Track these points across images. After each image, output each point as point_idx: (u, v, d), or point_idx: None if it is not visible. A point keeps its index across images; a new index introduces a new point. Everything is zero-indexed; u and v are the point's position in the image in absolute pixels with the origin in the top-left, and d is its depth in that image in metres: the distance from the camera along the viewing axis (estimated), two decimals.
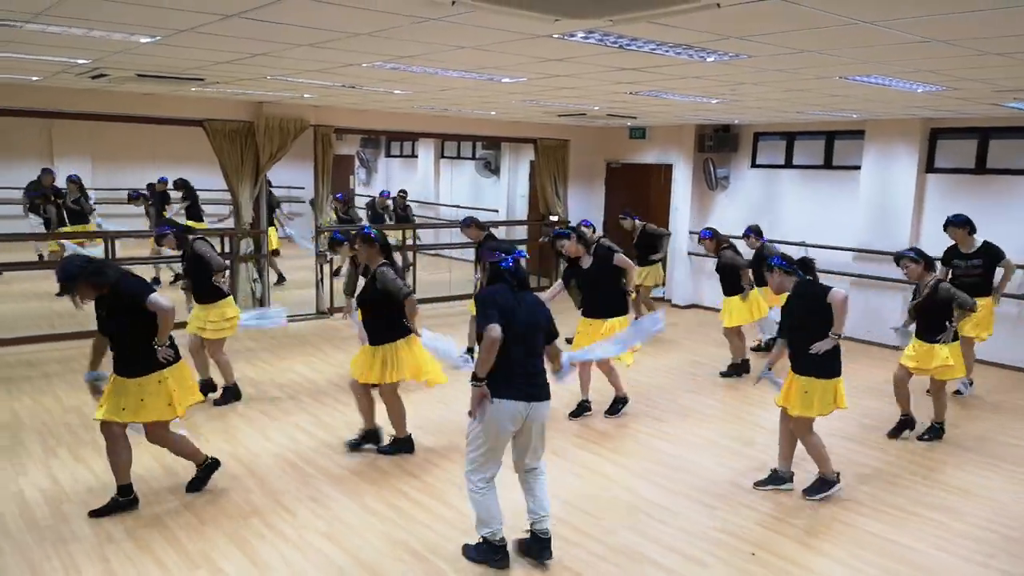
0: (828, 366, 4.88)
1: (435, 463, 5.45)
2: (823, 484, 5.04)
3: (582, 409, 6.53)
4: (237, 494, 4.88)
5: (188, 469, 5.11)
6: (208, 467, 4.95)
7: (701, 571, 4.14)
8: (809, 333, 4.86)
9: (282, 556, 4.14)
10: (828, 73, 5.52)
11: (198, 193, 12.00)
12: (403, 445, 5.56)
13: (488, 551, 4.05)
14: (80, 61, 6.01)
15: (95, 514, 4.47)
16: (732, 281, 7.89)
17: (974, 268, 6.94)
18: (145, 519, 4.51)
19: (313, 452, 5.52)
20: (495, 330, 3.77)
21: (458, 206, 15.35)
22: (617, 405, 6.62)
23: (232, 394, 6.60)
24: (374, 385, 5.41)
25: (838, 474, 5.06)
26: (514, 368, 3.88)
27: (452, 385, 5.89)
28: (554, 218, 12.05)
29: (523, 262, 4.15)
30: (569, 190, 12.43)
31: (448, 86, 7.01)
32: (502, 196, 14.25)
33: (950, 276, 6.95)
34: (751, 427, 6.48)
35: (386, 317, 5.29)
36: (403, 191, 13.47)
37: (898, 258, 5.92)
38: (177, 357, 4.54)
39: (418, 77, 6.37)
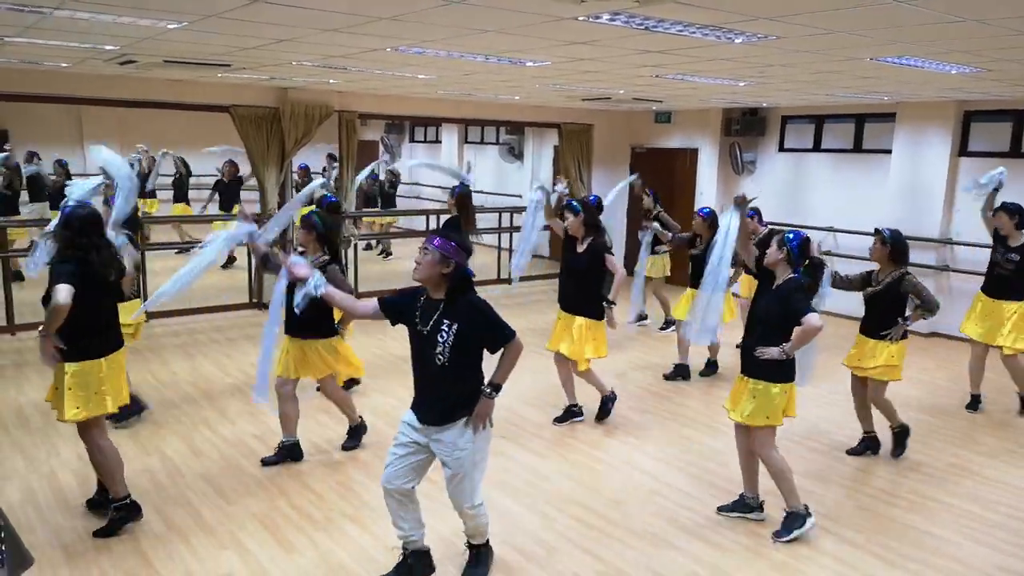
0: (779, 369, 4.22)
1: None
2: (793, 520, 4.31)
3: (570, 415, 6.04)
4: (264, 476, 4.94)
5: (213, 453, 5.19)
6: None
7: (723, 557, 4.12)
8: (769, 330, 4.21)
9: (309, 538, 4.19)
10: (859, 54, 5.41)
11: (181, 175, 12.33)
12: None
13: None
14: (108, 47, 6.06)
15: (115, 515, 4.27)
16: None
17: (1008, 262, 6.20)
18: (174, 500, 4.59)
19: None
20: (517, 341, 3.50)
21: (482, 191, 15.33)
22: (607, 406, 6.09)
23: None
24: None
25: (807, 507, 4.38)
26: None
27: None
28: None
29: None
30: (593, 175, 12.35)
31: (472, 70, 6.98)
32: (526, 181, 14.18)
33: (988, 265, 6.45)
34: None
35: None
36: (393, 171, 13.60)
37: (876, 231, 5.35)
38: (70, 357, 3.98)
39: (441, 61, 6.35)
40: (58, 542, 4.06)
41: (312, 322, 4.78)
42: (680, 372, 7.23)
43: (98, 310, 4.05)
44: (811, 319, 4.02)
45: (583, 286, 5.83)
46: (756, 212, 7.45)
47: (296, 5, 4.21)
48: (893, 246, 5.19)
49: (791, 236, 4.27)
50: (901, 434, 5.54)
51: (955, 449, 5.73)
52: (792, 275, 4.22)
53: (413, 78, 7.84)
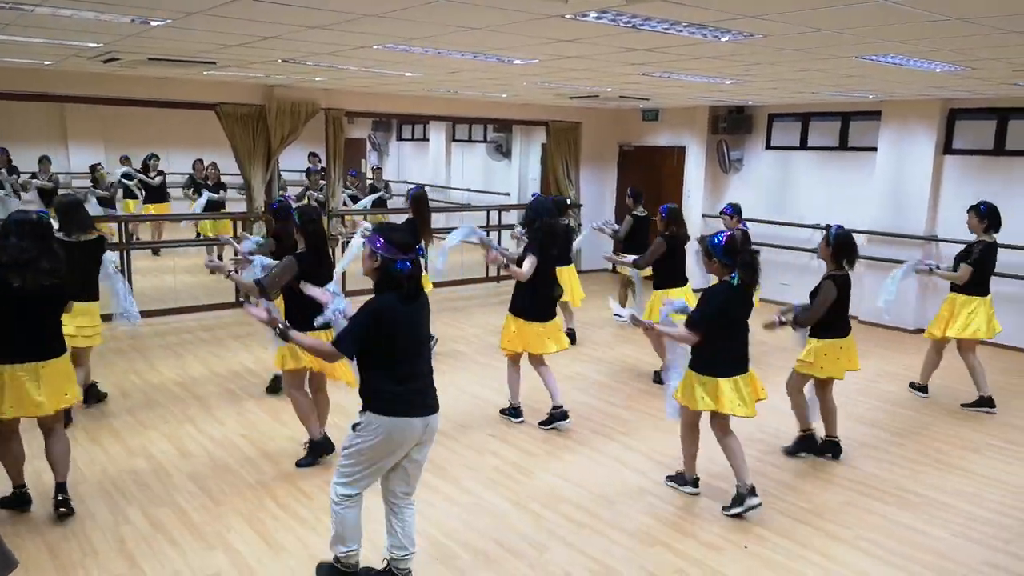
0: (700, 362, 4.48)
1: (454, 451, 5.47)
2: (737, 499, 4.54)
3: (555, 419, 5.86)
4: (252, 476, 4.92)
5: (201, 453, 5.17)
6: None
7: (716, 556, 4.13)
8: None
9: (298, 538, 4.16)
10: (844, 52, 5.44)
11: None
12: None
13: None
14: (92, 45, 6.00)
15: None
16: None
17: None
18: (160, 500, 4.55)
19: (334, 436, 5.52)
20: (332, 350, 3.48)
21: (469, 189, 15.32)
22: (554, 416, 5.88)
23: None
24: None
25: (697, 479, 4.80)
26: (407, 385, 3.46)
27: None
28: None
29: (421, 263, 3.61)
30: (581, 173, 12.37)
31: (458, 68, 6.96)
32: (513, 179, 14.19)
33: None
34: (767, 410, 6.43)
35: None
36: (378, 167, 13.61)
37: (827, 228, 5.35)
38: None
39: (428, 59, 6.33)
40: (43, 543, 4.02)
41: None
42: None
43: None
44: (683, 329, 4.36)
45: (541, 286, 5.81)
46: (735, 209, 7.35)
47: (280, 2, 4.19)
48: (835, 246, 5.16)
49: (715, 238, 4.45)
50: (806, 440, 5.45)
51: (941, 445, 5.77)
52: (727, 277, 4.39)
53: (400, 76, 7.81)
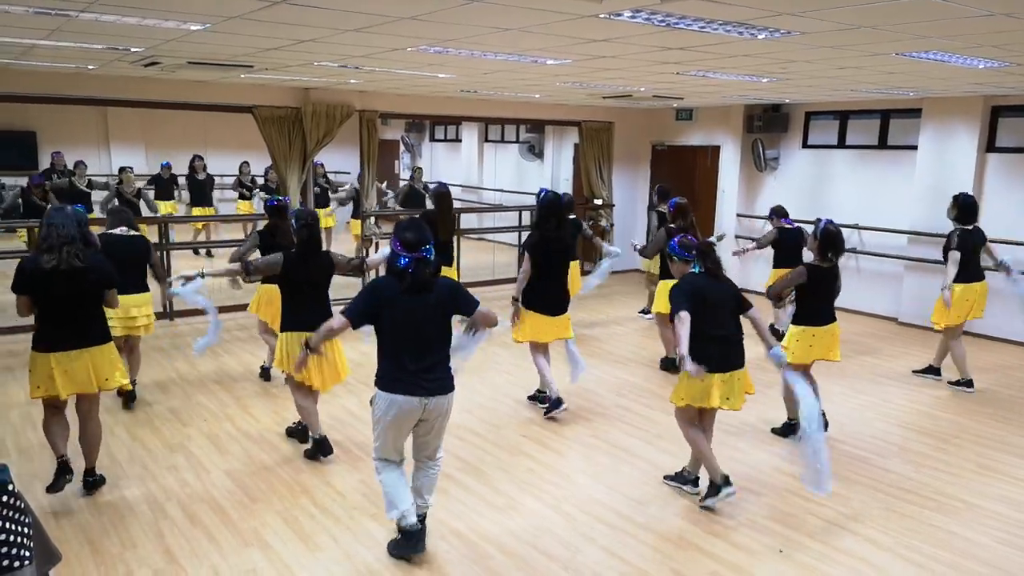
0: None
1: (487, 451, 5.48)
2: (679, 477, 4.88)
3: (536, 399, 6.29)
4: (288, 473, 4.98)
5: (237, 450, 5.24)
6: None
7: (749, 559, 4.09)
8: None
9: (332, 536, 4.21)
10: (884, 50, 5.34)
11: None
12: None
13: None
14: (134, 49, 6.13)
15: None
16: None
17: None
18: (199, 497, 4.63)
19: (362, 435, 5.58)
20: (339, 320, 3.79)
21: (502, 190, 15.35)
22: (543, 401, 6.18)
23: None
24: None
25: (698, 478, 4.80)
26: (406, 369, 3.72)
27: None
28: (598, 202, 11.95)
29: (430, 260, 3.74)
30: (614, 173, 12.31)
31: (492, 69, 6.97)
32: (546, 180, 14.19)
33: None
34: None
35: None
36: (418, 167, 13.50)
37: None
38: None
39: (462, 60, 6.36)
40: (85, 538, 4.12)
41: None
42: (667, 365, 7.30)
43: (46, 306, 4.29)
44: (681, 318, 4.29)
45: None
46: (773, 211, 7.52)
47: (317, 6, 4.23)
48: (820, 241, 5.32)
49: (672, 242, 4.72)
50: (791, 426, 5.59)
51: (982, 449, 5.64)
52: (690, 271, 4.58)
53: (433, 77, 7.85)
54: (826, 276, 5.37)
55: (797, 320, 5.52)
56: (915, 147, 9.40)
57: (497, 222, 13.29)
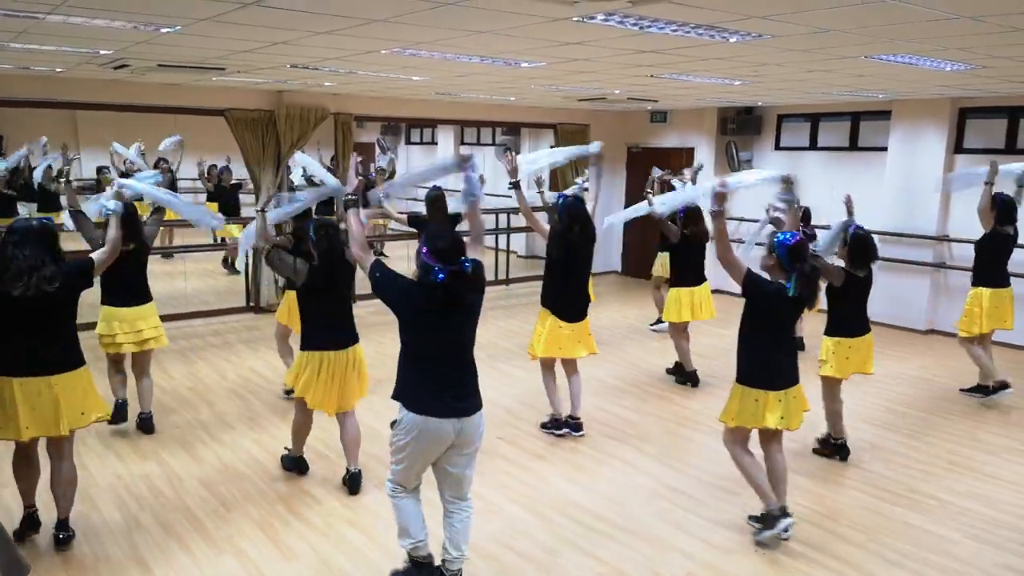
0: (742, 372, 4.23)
1: None
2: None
3: (566, 427, 5.80)
4: (263, 481, 4.93)
5: (212, 458, 5.18)
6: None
7: (725, 558, 4.12)
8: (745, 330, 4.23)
9: (308, 543, 4.17)
10: (853, 52, 5.41)
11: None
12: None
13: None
14: (103, 52, 6.05)
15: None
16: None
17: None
18: (173, 506, 4.57)
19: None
20: (368, 254, 3.48)
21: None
22: (567, 424, 5.82)
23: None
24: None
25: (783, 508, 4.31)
26: (434, 386, 3.37)
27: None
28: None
29: (467, 275, 3.33)
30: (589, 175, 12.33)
31: (466, 72, 6.97)
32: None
33: None
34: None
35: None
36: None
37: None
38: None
39: (436, 63, 6.34)
40: (56, 550, 4.04)
41: None
42: (678, 371, 7.21)
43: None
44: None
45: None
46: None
47: (289, 8, 4.20)
48: (851, 247, 5.36)
49: (785, 236, 4.21)
50: (841, 447, 5.41)
51: (953, 446, 5.73)
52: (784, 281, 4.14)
53: (408, 80, 7.83)
54: (858, 282, 5.17)
55: (830, 331, 5.27)
56: (885, 148, 9.54)
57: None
